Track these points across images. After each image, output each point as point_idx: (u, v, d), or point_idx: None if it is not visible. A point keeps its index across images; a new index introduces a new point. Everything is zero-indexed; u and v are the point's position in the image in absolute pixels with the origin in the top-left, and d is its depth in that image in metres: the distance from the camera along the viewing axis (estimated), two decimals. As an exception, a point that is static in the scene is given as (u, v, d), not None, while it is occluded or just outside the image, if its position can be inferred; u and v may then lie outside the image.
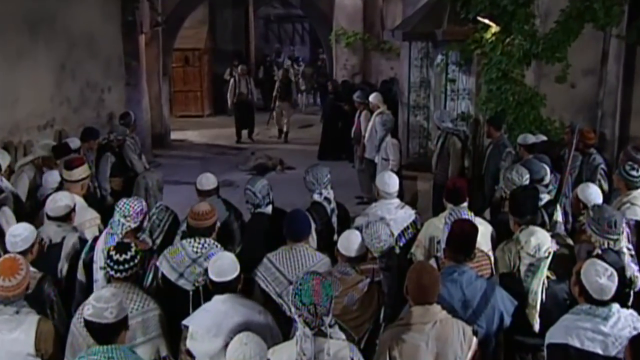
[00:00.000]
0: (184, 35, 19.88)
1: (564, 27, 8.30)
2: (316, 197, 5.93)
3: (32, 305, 4.30)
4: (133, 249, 4.35)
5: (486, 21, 9.13)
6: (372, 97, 10.90)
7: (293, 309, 3.58)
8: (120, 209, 5.09)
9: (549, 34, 8.42)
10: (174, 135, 18.08)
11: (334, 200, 6.00)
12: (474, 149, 9.88)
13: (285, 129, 17.90)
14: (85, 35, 11.42)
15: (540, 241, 4.64)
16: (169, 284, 4.79)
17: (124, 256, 4.27)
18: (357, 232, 4.88)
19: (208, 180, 6.29)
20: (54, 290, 4.74)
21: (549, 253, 4.59)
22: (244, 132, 17.99)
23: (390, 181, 6.00)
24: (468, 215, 5.11)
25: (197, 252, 4.77)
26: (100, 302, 3.54)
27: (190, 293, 4.57)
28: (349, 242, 4.79)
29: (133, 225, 5.10)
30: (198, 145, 17.77)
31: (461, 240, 4.45)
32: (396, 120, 11.33)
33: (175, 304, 4.43)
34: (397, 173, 9.79)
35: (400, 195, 9.74)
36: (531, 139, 7.81)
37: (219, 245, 4.98)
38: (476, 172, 9.36)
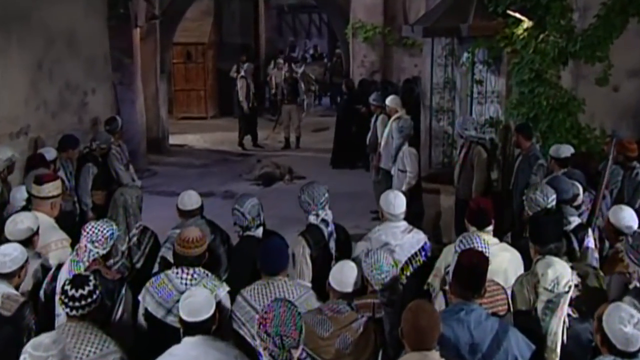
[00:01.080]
0: (185, 28, 19.96)
1: (605, 22, 8.28)
2: (312, 218, 5.82)
3: (10, 330, 4.32)
4: (92, 283, 4.27)
5: (517, 15, 9.05)
6: (389, 101, 10.83)
7: (257, 341, 3.51)
8: (88, 233, 5.06)
9: (588, 30, 8.37)
10: (173, 140, 18.16)
11: (332, 222, 5.89)
12: (503, 159, 9.75)
13: (296, 134, 17.93)
14: (65, 31, 11.31)
15: (559, 274, 4.49)
16: (155, 322, 4.75)
17: (80, 291, 4.19)
18: (352, 264, 4.77)
19: (190, 199, 6.25)
20: (34, 319, 4.71)
21: (570, 287, 4.45)
22: (247, 139, 18.05)
23: (395, 201, 5.85)
24: (484, 243, 4.95)
25: (186, 285, 4.73)
26: (39, 350, 3.48)
27: (182, 331, 4.47)
28: (343, 275, 4.66)
29: (102, 252, 5.08)
30: (199, 151, 17.86)
31: (469, 275, 4.32)
32: (418, 125, 11.23)
33: (164, 346, 4.25)
34: (416, 186, 9.81)
35: (420, 211, 9.82)
36: (565, 151, 7.65)
37: (210, 275, 4.93)
38: (505, 186, 9.25)
